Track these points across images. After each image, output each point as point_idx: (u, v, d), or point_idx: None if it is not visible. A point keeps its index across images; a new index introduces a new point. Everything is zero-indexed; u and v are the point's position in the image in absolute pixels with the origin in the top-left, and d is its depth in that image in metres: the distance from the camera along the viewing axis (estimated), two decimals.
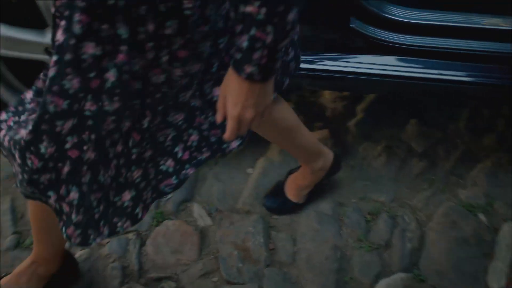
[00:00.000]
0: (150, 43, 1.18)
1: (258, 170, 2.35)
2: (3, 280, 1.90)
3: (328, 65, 2.01)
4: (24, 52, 2.18)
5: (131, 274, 2.02)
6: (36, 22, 2.12)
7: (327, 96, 2.68)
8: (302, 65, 2.00)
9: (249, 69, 1.11)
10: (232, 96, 1.19)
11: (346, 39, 1.96)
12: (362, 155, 2.41)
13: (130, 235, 2.13)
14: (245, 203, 2.22)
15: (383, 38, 1.93)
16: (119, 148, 1.37)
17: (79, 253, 2.08)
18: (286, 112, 1.90)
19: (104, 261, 2.07)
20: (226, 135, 1.27)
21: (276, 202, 2.22)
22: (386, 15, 1.90)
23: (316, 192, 2.21)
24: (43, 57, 2.17)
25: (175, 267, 2.03)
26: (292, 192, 2.19)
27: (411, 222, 2.16)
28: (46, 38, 2.12)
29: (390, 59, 1.98)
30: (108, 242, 2.11)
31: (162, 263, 2.05)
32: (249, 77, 1.13)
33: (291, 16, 1.06)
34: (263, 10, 1.04)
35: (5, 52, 2.17)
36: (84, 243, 1.49)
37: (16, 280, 1.88)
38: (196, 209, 2.22)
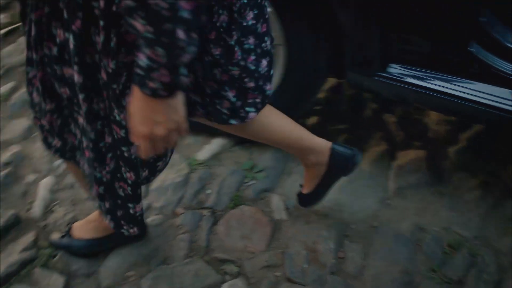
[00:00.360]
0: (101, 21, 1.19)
1: (346, 176, 2.29)
2: (77, 223, 2.05)
3: (438, 85, 1.93)
4: None
5: (197, 249, 2.04)
6: None
7: (432, 117, 2.59)
8: (411, 80, 1.94)
9: (152, 84, 1.04)
10: (139, 114, 1.11)
11: (462, 62, 1.87)
12: (456, 184, 2.31)
13: (205, 212, 2.15)
14: (324, 206, 2.18)
15: (502, 69, 1.83)
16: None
17: (152, 218, 2.12)
18: (274, 119, 1.84)
19: (174, 231, 2.09)
20: (141, 155, 1.20)
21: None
22: (510, 45, 1.80)
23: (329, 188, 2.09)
24: None
25: (241, 253, 2.03)
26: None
27: (491, 265, 2.04)
28: None
29: (507, 92, 1.88)
30: (182, 214, 2.14)
31: (230, 245, 2.05)
32: (154, 94, 1.05)
33: (181, 34, 0.98)
34: (150, 29, 0.97)
35: None
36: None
37: (85, 225, 2.03)
38: (275, 201, 2.21)
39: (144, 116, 1.11)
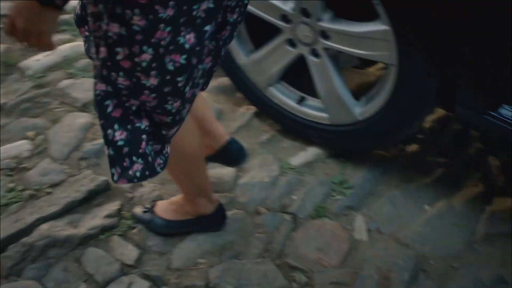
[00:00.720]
0: None
1: (435, 210, 2.23)
2: (160, 202, 2.12)
3: None
4: (261, 11, 2.26)
5: (271, 251, 2.04)
6: None
7: None
8: None
9: None
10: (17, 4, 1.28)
11: None
12: None
13: (286, 216, 2.15)
14: (406, 236, 2.13)
15: None
16: None
17: (234, 211, 2.15)
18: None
19: (253, 229, 2.11)
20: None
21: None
22: None
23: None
24: (276, 21, 2.23)
25: (313, 264, 2.02)
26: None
27: None
28: (286, 6, 2.17)
29: None
30: (264, 213, 2.15)
31: (303, 254, 2.04)
32: None
33: None
34: None
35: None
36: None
37: (168, 205, 2.09)
38: (358, 220, 2.18)
39: (18, 5, 1.29)
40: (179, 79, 1.41)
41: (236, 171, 2.33)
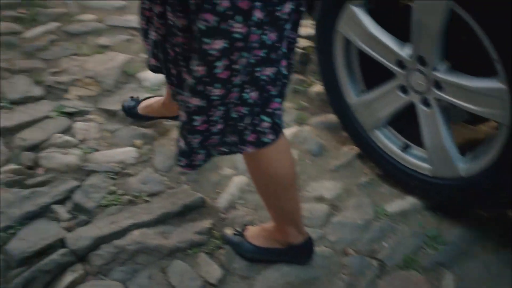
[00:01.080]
0: None
1: None
2: (252, 227, 2.16)
3: None
4: (377, 54, 2.26)
5: None
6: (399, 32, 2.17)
7: None
8: None
9: None
10: None
11: None
12: None
13: (374, 262, 2.12)
14: None
15: None
16: None
17: (321, 248, 2.14)
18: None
19: (338, 269, 2.09)
20: None
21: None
22: None
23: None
24: (391, 66, 2.22)
25: None
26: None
27: None
28: (403, 52, 2.16)
29: None
30: (351, 255, 2.13)
31: None
32: None
33: None
34: None
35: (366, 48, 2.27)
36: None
37: (259, 231, 2.12)
38: (447, 279, 2.10)
39: None
40: (257, 69, 1.53)
41: (329, 208, 2.33)
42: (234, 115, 1.60)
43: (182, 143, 1.68)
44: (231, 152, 1.75)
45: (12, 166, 2.43)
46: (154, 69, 2.05)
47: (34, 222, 2.18)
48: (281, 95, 1.68)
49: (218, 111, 1.56)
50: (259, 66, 1.52)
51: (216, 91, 1.49)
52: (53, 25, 3.45)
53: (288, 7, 1.46)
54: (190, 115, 1.57)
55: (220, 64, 1.43)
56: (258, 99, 1.59)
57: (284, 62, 1.61)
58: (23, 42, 3.29)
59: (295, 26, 1.63)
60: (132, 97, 2.77)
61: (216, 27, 1.36)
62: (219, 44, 1.39)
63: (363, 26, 2.23)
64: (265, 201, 1.98)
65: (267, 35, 1.45)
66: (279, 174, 1.82)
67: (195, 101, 1.53)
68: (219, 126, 1.62)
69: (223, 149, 1.74)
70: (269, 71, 1.55)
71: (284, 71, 1.63)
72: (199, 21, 1.37)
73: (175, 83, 1.66)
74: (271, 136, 1.70)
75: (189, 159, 1.70)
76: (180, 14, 1.44)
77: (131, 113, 2.72)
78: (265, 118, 1.66)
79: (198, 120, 1.57)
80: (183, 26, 1.46)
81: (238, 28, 1.37)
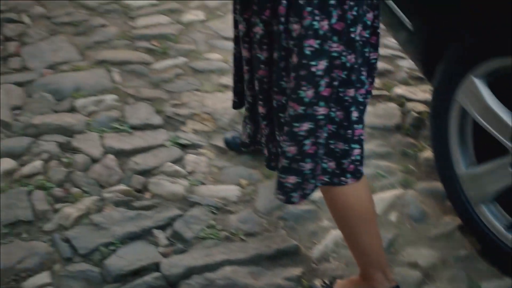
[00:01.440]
0: None
1: None
2: (340, 281, 2.15)
3: None
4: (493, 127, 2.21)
5: None
6: None
7: None
8: None
9: None
10: None
11: None
12: None
13: None
14: None
15: None
16: None
17: None
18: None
19: None
20: None
21: None
22: None
23: None
24: (506, 142, 2.17)
25: None
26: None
27: None
28: None
29: None
30: None
31: None
32: None
33: None
34: None
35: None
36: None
37: (347, 285, 2.12)
38: None
39: None
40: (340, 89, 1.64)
41: (422, 276, 2.29)
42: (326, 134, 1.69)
43: (291, 180, 1.74)
44: (331, 183, 1.80)
45: (123, 187, 2.57)
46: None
47: (134, 242, 2.30)
48: (362, 121, 1.75)
49: (324, 132, 1.65)
50: (342, 87, 1.61)
51: (321, 110, 1.59)
52: (181, 59, 3.61)
53: (361, 29, 1.58)
54: (300, 143, 1.64)
55: (323, 82, 1.55)
56: (343, 120, 1.67)
57: (362, 90, 1.69)
58: (152, 72, 3.47)
59: (374, 47, 1.72)
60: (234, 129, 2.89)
61: (319, 50, 1.50)
62: (323, 64, 1.52)
63: (482, 98, 2.20)
64: (346, 238, 1.99)
65: (346, 57, 1.57)
66: (357, 208, 1.86)
67: (305, 126, 1.61)
68: (323, 149, 1.70)
69: (325, 178, 1.78)
70: (351, 92, 1.64)
71: (360, 98, 1.71)
72: (304, 49, 1.50)
73: (272, 132, 1.77)
74: (362, 167, 1.78)
75: (301, 189, 1.76)
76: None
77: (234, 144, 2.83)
78: (354, 146, 1.73)
79: (307, 144, 1.65)
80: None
81: (335, 47, 1.52)
